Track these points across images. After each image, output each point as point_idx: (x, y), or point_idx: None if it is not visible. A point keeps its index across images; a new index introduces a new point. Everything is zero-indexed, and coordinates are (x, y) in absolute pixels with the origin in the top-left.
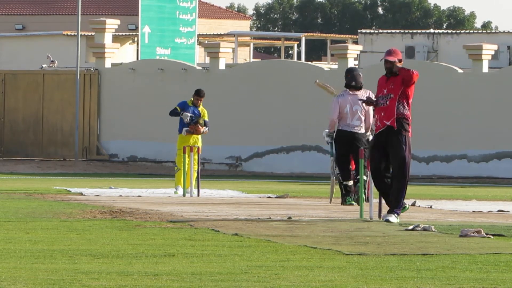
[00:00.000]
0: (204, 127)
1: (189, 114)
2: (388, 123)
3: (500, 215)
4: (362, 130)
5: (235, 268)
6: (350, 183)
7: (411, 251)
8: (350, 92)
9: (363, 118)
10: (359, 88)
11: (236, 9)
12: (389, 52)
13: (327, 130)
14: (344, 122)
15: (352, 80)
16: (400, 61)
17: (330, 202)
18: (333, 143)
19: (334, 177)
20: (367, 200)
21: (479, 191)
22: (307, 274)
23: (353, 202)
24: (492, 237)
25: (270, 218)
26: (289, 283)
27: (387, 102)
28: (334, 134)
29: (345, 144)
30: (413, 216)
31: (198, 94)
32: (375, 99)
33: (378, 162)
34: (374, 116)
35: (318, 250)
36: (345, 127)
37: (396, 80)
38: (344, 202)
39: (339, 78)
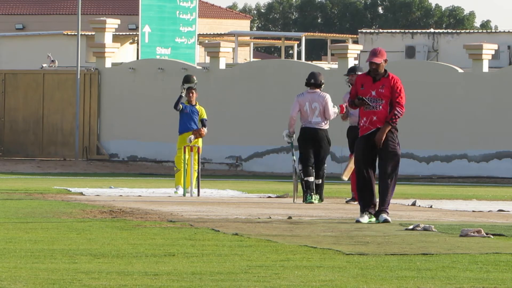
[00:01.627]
0: (204, 128)
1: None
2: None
3: (500, 215)
4: (325, 127)
5: (235, 268)
6: (311, 179)
7: (411, 251)
8: (309, 91)
9: (323, 114)
10: (318, 86)
11: (241, 9)
12: (375, 53)
13: (287, 131)
14: (306, 120)
15: (311, 78)
16: (385, 61)
17: (294, 202)
18: (292, 143)
19: (296, 177)
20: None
21: (479, 191)
22: (307, 274)
23: (313, 200)
24: (492, 237)
25: (270, 218)
26: (289, 283)
27: (380, 107)
28: (293, 135)
29: (308, 140)
30: (413, 216)
31: (188, 80)
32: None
33: (368, 164)
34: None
35: (318, 249)
36: (307, 124)
37: (386, 85)
38: (305, 199)
39: (339, 78)
